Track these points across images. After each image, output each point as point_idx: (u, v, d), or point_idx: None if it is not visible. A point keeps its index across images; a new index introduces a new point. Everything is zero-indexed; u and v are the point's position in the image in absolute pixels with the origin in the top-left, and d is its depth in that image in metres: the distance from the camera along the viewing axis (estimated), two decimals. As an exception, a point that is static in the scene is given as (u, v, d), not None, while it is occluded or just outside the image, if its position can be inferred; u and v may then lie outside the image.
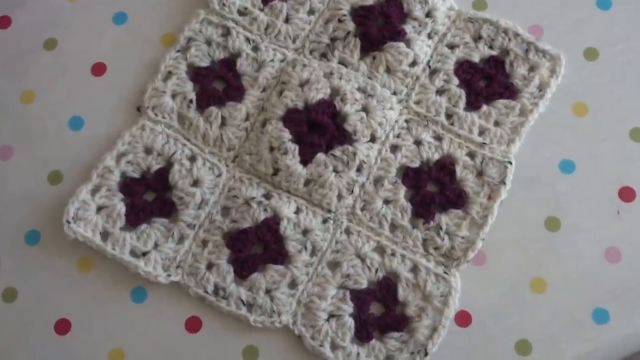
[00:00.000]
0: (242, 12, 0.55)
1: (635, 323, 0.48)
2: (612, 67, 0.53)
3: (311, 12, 0.55)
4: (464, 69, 0.53)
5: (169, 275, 0.49)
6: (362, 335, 0.47)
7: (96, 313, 0.50)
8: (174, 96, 0.53)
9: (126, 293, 0.50)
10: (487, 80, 0.53)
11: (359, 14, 0.53)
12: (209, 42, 0.54)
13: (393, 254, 0.49)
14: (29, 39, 0.56)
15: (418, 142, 0.51)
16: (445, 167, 0.51)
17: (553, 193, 0.50)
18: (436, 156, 0.51)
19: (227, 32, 0.54)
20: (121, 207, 0.50)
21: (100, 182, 0.51)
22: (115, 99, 0.54)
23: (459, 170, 0.50)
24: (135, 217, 0.50)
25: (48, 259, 0.51)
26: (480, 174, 0.50)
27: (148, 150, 0.52)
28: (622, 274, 0.48)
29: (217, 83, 0.54)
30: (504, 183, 0.49)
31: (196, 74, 0.53)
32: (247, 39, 0.54)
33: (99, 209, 0.51)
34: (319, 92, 0.51)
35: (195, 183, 0.51)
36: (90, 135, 0.54)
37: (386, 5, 0.53)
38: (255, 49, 0.54)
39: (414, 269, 0.49)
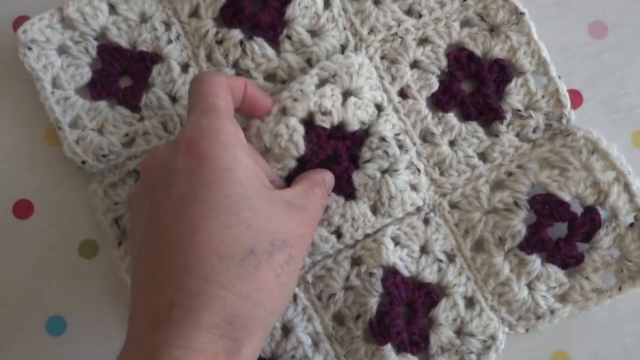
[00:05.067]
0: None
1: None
2: None
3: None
4: None
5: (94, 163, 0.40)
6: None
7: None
8: None
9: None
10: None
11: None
12: None
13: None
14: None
15: None
16: None
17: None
18: None
19: None
20: (87, 72, 0.41)
21: (78, 20, 0.40)
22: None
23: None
24: (100, 90, 0.41)
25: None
26: None
27: (143, 18, 0.41)
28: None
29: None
30: None
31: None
32: None
33: (62, 51, 0.41)
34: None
35: (174, 100, 0.41)
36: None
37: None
38: None
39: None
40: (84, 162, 0.40)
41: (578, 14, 0.43)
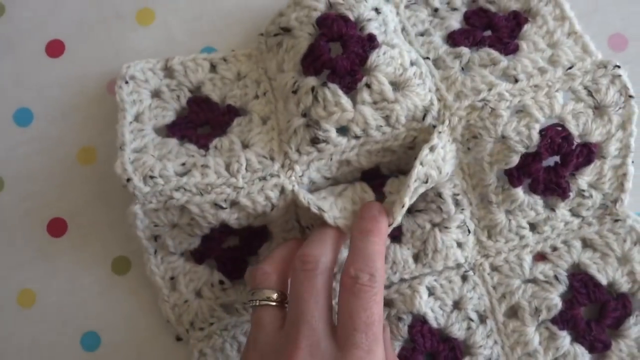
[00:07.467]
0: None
1: None
2: None
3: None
4: None
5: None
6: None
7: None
8: None
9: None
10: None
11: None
12: None
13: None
14: None
15: None
16: None
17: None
18: None
19: None
20: (171, 115, 0.40)
21: (179, 71, 0.41)
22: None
23: None
24: (176, 131, 0.40)
25: None
26: None
27: (239, 77, 0.41)
28: None
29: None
30: None
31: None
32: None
33: (155, 94, 0.41)
34: None
35: (246, 146, 0.39)
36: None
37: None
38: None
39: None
40: (128, 180, 0.36)
41: (599, 27, 0.42)
